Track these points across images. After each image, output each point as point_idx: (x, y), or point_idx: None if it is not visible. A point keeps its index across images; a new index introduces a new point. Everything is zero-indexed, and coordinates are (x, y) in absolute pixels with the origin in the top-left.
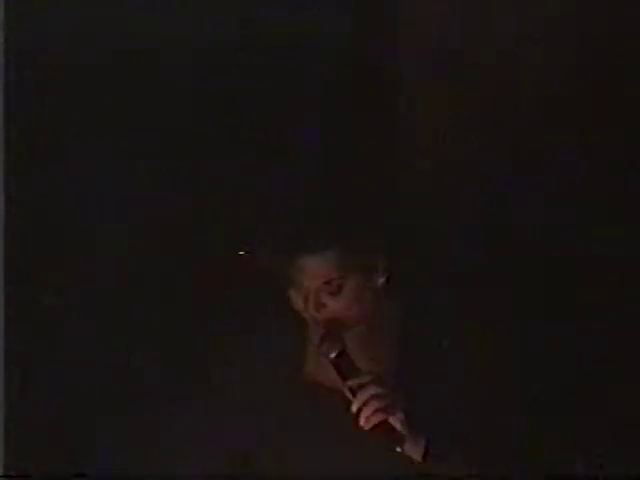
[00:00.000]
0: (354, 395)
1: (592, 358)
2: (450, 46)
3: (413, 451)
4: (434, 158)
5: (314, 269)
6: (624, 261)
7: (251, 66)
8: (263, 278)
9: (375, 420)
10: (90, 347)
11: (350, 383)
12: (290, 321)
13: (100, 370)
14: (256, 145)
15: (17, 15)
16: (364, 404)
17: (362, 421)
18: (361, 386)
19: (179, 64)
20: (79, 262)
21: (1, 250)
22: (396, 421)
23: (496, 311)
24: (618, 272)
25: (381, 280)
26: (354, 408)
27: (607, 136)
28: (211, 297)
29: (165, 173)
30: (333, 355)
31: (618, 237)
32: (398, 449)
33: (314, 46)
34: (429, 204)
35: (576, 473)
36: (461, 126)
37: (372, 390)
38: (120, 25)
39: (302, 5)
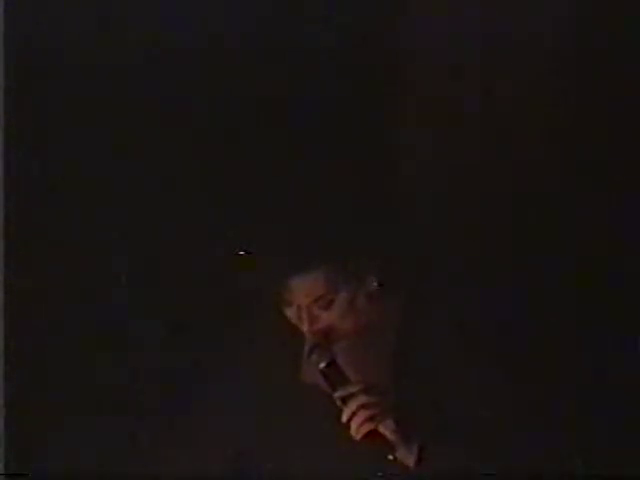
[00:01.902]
0: (344, 405)
1: (592, 357)
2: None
3: (406, 458)
4: (425, 163)
5: (304, 288)
6: (624, 261)
7: (248, 68)
8: (261, 282)
9: (365, 429)
10: (90, 347)
11: (339, 393)
12: (287, 326)
13: (100, 370)
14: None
15: (17, 15)
16: (354, 414)
17: (353, 430)
18: (350, 396)
19: (179, 64)
20: (79, 262)
21: (1, 250)
22: (386, 429)
23: (491, 315)
24: (618, 272)
25: (373, 288)
26: (344, 418)
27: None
28: (210, 300)
29: (164, 174)
30: (322, 365)
31: (619, 238)
32: (390, 457)
33: (312, 52)
34: (418, 212)
35: (576, 473)
36: (454, 129)
37: (361, 400)
38: (120, 25)
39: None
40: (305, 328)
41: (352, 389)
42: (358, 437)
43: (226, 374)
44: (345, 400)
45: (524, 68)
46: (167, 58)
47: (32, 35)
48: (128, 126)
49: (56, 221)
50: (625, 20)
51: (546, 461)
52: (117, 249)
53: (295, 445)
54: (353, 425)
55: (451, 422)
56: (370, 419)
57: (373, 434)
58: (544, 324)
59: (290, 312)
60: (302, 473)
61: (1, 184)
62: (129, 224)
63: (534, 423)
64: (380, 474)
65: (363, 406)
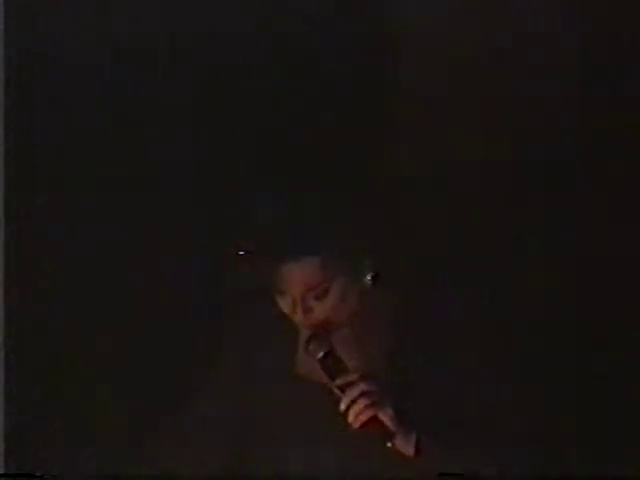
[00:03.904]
0: (343, 394)
1: (594, 356)
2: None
3: (404, 447)
4: (423, 156)
5: (299, 277)
6: (624, 261)
7: (247, 67)
8: (258, 278)
9: (364, 417)
10: (90, 346)
11: (338, 382)
12: (282, 321)
13: (100, 369)
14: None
15: (17, 15)
16: (352, 402)
17: (351, 418)
18: (349, 384)
19: (178, 64)
20: (79, 262)
21: (1, 249)
22: (385, 417)
23: (491, 308)
24: (619, 271)
25: (368, 279)
26: (342, 406)
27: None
28: (207, 296)
29: (163, 173)
30: (320, 355)
31: (619, 238)
32: (389, 444)
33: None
34: (415, 203)
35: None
36: (454, 125)
37: (360, 388)
38: (120, 24)
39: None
40: (298, 318)
41: (351, 377)
42: (357, 425)
43: (220, 365)
44: (344, 389)
45: None
46: (165, 57)
47: (32, 35)
48: (127, 125)
49: (56, 221)
50: None
51: (546, 449)
52: (117, 247)
53: (291, 440)
54: (352, 413)
55: (449, 411)
56: (370, 406)
57: (372, 422)
58: (547, 320)
59: (283, 302)
60: (299, 471)
61: (1, 183)
62: (128, 221)
63: (533, 412)
64: None
65: (363, 394)
